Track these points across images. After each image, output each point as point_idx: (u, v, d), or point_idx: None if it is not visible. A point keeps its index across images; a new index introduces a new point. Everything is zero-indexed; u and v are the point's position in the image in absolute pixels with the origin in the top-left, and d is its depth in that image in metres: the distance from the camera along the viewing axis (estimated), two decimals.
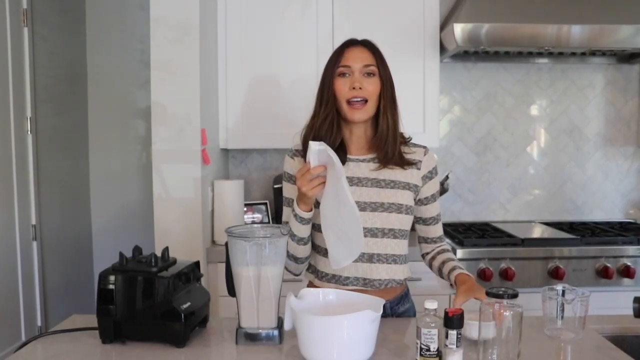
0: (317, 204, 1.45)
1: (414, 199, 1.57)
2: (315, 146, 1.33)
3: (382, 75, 1.50)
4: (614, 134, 3.01)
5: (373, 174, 1.53)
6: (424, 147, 1.60)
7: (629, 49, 2.65)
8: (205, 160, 2.35)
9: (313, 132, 1.52)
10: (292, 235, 1.48)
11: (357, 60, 1.48)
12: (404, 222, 1.55)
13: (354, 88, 1.46)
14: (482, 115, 2.99)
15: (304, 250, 1.52)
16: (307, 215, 1.44)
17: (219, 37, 2.58)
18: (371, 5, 2.58)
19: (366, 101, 1.48)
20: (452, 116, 2.98)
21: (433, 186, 1.59)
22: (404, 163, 1.53)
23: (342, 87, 1.48)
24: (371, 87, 1.48)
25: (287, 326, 1.29)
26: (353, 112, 1.48)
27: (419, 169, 1.56)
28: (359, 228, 1.36)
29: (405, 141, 1.58)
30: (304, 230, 1.47)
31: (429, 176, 1.58)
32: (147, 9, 2.29)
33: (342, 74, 1.49)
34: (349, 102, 1.48)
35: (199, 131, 2.29)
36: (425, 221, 1.63)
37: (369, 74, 1.49)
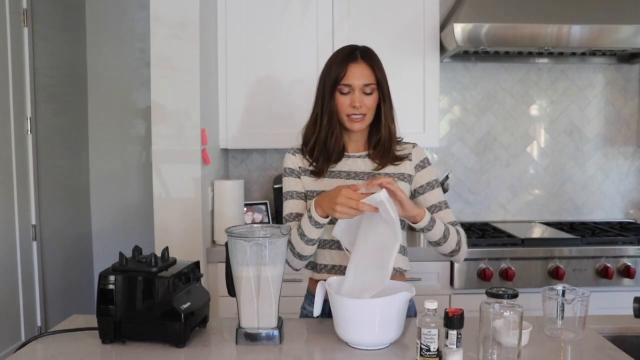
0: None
1: (410, 191, 1.61)
2: (379, 196, 1.32)
3: (382, 90, 1.56)
4: (614, 134, 3.01)
5: (369, 169, 1.59)
6: (413, 143, 1.66)
7: (629, 49, 2.65)
8: (205, 160, 2.35)
9: (315, 139, 1.58)
10: (302, 236, 1.49)
11: (358, 78, 1.54)
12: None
13: (354, 106, 1.53)
14: (482, 115, 2.99)
15: (311, 249, 1.54)
16: (323, 220, 1.46)
17: (219, 37, 2.58)
18: (371, 5, 2.58)
19: (365, 114, 1.55)
20: (452, 116, 2.98)
21: (427, 175, 1.62)
22: (397, 159, 1.60)
23: (343, 102, 1.55)
24: (370, 103, 1.55)
25: (316, 312, 1.42)
26: (352, 124, 1.56)
27: (410, 159, 1.62)
28: (386, 278, 1.35)
29: (398, 141, 1.65)
30: (316, 233, 1.49)
31: (421, 165, 1.62)
32: (147, 7, 2.29)
33: (343, 91, 1.54)
34: (348, 115, 1.55)
35: (199, 131, 2.29)
36: (428, 210, 1.61)
37: (369, 92, 1.55)
